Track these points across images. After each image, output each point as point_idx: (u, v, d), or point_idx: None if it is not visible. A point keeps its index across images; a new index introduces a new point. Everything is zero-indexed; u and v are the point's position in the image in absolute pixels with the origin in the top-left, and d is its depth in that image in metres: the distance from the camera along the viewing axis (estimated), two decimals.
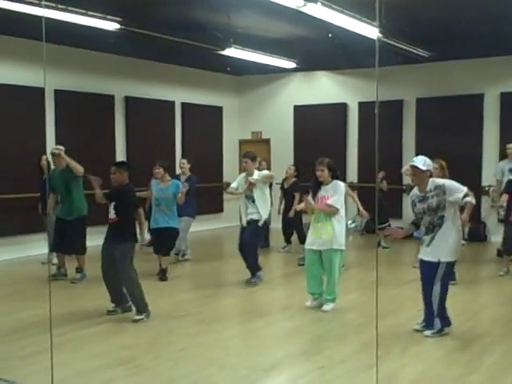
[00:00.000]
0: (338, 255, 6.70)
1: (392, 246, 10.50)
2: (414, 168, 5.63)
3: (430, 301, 5.69)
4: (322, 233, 6.67)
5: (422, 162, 5.62)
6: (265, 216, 7.99)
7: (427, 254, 5.70)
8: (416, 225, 5.93)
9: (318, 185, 6.80)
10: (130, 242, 6.46)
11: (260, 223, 7.98)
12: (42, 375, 4.39)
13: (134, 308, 6.48)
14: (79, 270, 8.36)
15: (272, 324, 6.46)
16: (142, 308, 6.38)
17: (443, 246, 5.62)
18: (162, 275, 8.43)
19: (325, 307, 6.70)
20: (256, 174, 8.09)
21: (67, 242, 7.90)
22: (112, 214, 6.56)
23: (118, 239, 6.43)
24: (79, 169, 7.93)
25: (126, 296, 6.54)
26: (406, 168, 6.26)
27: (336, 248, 6.66)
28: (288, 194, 10.49)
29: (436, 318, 5.69)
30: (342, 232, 6.73)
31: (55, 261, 8.53)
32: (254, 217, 7.97)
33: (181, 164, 9.92)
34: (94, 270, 9.16)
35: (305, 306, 6.83)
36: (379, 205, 10.53)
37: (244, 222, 8.09)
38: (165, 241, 8.48)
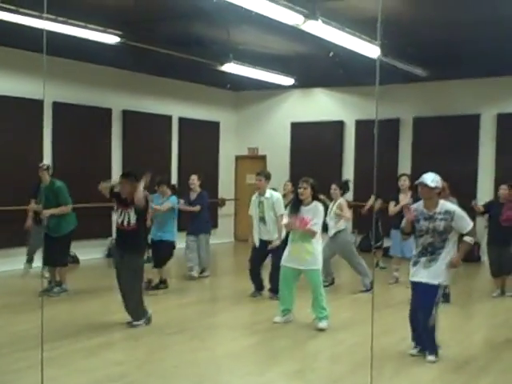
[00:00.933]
0: (319, 273, 6.83)
1: (389, 266, 10.46)
2: (423, 185, 5.49)
3: (425, 324, 5.52)
4: (302, 252, 6.70)
5: (431, 178, 5.49)
6: (276, 237, 8.02)
7: (424, 277, 5.52)
8: (405, 233, 5.82)
9: (298, 203, 6.81)
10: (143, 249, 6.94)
11: (272, 245, 8.02)
12: None
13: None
14: (58, 283, 8.30)
15: (265, 341, 6.42)
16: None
17: (443, 269, 5.50)
18: (159, 284, 8.65)
19: (320, 325, 6.68)
20: (268, 193, 8.13)
21: (51, 253, 7.87)
22: (133, 220, 6.60)
23: (133, 247, 6.62)
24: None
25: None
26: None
27: (318, 268, 6.76)
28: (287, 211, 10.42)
29: (434, 341, 5.57)
30: (320, 251, 6.83)
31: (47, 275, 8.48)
32: (266, 238, 8.10)
33: (191, 180, 9.85)
34: (85, 283, 9.16)
35: (273, 322, 6.86)
36: (376, 224, 10.52)
37: (257, 242, 8.15)
38: (160, 253, 8.64)
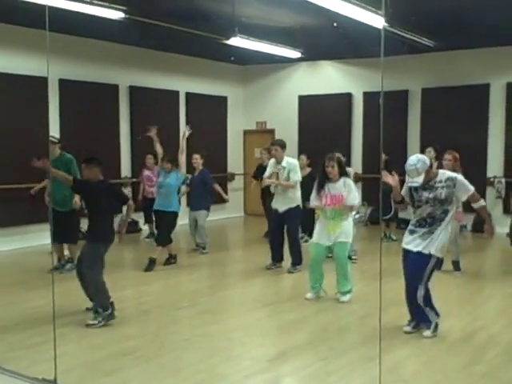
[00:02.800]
0: (348, 247, 6.84)
1: (400, 238, 10.43)
2: (410, 172, 5.30)
3: (414, 296, 5.42)
4: (335, 228, 6.69)
5: (413, 162, 5.25)
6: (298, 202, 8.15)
7: (418, 245, 5.40)
8: (396, 202, 5.69)
9: (324, 181, 6.74)
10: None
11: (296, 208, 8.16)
12: (46, 365, 4.41)
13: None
14: (70, 260, 8.36)
15: (276, 315, 6.47)
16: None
17: (439, 241, 5.38)
18: (169, 259, 8.74)
19: (343, 298, 6.72)
20: (285, 162, 8.15)
21: (60, 231, 7.89)
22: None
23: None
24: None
25: None
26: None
27: (348, 241, 6.77)
28: (304, 186, 10.42)
29: (430, 313, 5.48)
30: (352, 225, 6.86)
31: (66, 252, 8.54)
32: (291, 205, 8.11)
33: (193, 159, 9.99)
34: None
35: (305, 298, 6.84)
36: (386, 196, 10.49)
37: (282, 209, 8.16)
38: (163, 224, 8.71)
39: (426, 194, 5.40)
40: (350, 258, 8.92)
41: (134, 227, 11.55)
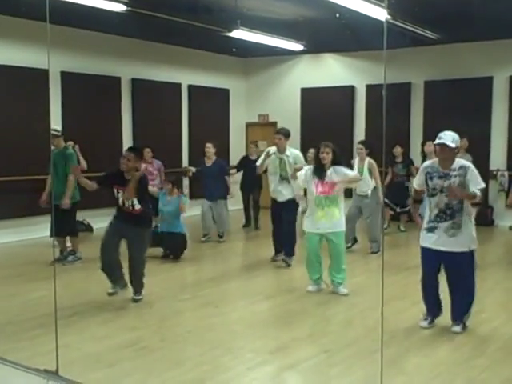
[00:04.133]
0: (342, 236, 6.83)
1: (410, 230, 10.45)
2: (444, 146, 5.20)
3: (464, 293, 5.35)
4: (328, 216, 6.65)
5: (451, 138, 5.20)
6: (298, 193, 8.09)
7: (453, 245, 5.24)
8: (417, 201, 5.73)
9: (321, 168, 6.72)
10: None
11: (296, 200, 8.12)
12: (48, 356, 4.41)
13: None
14: (72, 252, 8.38)
15: (278, 307, 6.47)
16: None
17: (470, 234, 5.30)
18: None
19: (342, 290, 6.72)
20: (289, 151, 8.08)
21: (60, 224, 7.88)
22: (137, 204, 6.47)
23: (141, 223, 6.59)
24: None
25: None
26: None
27: (343, 230, 6.77)
28: None
29: (469, 311, 5.43)
30: (343, 213, 6.84)
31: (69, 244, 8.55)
32: (291, 196, 8.05)
33: (206, 148, 10.04)
34: (99, 251, 9.24)
35: (307, 291, 6.83)
36: (402, 188, 10.58)
37: (281, 199, 8.09)
38: (175, 244, 8.62)
39: (440, 183, 5.27)
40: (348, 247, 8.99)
41: None
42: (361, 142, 9.41)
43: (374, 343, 4.71)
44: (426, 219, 5.45)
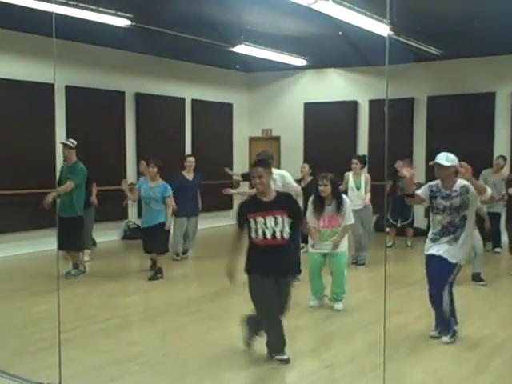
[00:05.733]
0: (345, 256, 6.83)
1: (417, 245, 10.43)
2: (438, 165, 5.38)
3: (441, 302, 5.49)
4: (331, 238, 6.69)
5: (445, 158, 5.37)
6: None
7: (445, 252, 5.42)
8: (406, 194, 5.65)
9: (321, 202, 6.72)
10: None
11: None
12: (51, 370, 4.41)
13: None
14: (74, 265, 8.37)
15: None
16: None
17: (464, 249, 5.49)
18: (155, 274, 8.25)
19: (337, 306, 6.71)
20: (274, 174, 7.71)
21: (66, 237, 7.89)
22: (286, 230, 4.96)
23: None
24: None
25: None
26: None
27: (345, 250, 6.80)
28: (306, 194, 10.42)
29: (449, 321, 5.53)
30: (346, 236, 6.86)
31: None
32: None
33: (187, 161, 9.79)
34: (102, 265, 9.27)
35: (309, 306, 6.82)
36: (403, 202, 10.56)
37: None
38: (157, 238, 8.30)
39: (443, 203, 5.46)
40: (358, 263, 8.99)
41: (138, 233, 11.56)
42: (356, 157, 9.46)
43: (377, 358, 4.70)
44: (430, 230, 5.63)
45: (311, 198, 6.90)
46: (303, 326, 6.23)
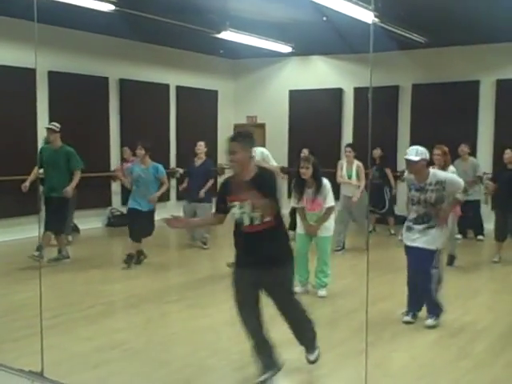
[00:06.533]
0: (330, 241, 6.87)
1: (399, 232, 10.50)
2: (407, 161, 5.51)
3: (424, 287, 5.60)
4: (315, 221, 6.71)
5: (414, 152, 5.47)
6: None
7: (421, 242, 5.54)
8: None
9: (302, 184, 6.72)
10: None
11: None
12: (33, 357, 4.39)
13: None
14: (59, 250, 8.33)
15: (264, 308, 6.44)
16: None
17: (440, 235, 5.60)
18: (138, 257, 8.23)
19: (321, 293, 6.75)
20: (257, 151, 7.55)
21: (53, 218, 7.83)
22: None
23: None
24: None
25: None
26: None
27: (330, 235, 6.82)
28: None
29: (435, 304, 5.66)
30: (332, 218, 6.85)
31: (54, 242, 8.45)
32: None
33: (198, 146, 9.66)
34: (86, 252, 9.22)
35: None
36: (380, 190, 10.66)
37: None
38: (144, 224, 8.23)
39: (417, 195, 5.56)
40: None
41: (122, 220, 11.52)
42: (349, 145, 9.54)
43: (360, 345, 4.71)
44: (407, 221, 5.75)
45: (293, 181, 6.91)
46: None
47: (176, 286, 7.51)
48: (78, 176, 8.11)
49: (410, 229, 5.66)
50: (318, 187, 6.64)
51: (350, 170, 9.25)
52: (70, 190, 7.98)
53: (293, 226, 7.73)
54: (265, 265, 4.20)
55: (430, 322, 5.63)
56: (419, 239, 5.56)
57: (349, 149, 9.36)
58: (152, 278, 7.72)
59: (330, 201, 6.73)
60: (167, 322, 5.93)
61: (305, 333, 4.59)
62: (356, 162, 9.23)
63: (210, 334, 5.50)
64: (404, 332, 5.52)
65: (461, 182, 5.64)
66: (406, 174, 5.87)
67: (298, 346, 4.66)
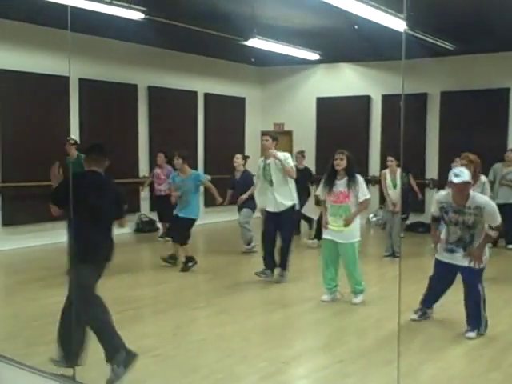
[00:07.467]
0: (355, 247, 6.75)
1: (415, 238, 10.45)
2: (467, 183, 5.36)
3: (474, 301, 5.60)
4: (339, 216, 6.64)
5: (467, 173, 5.38)
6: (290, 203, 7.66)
7: (466, 262, 5.54)
8: (437, 219, 5.81)
9: (333, 176, 6.69)
10: None
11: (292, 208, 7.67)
12: None
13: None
14: None
15: (292, 316, 6.47)
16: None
17: (485, 253, 5.60)
18: (186, 263, 8.39)
19: (355, 299, 6.70)
20: (280, 155, 7.59)
21: None
22: None
23: None
24: None
25: None
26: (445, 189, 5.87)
27: (355, 241, 6.72)
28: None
29: (480, 318, 5.60)
30: (359, 223, 6.80)
31: None
32: (287, 204, 7.61)
33: (235, 159, 9.90)
34: (115, 257, 9.28)
35: (321, 300, 6.78)
36: (404, 197, 10.58)
37: (271, 209, 7.69)
38: (180, 229, 8.47)
39: (455, 217, 5.50)
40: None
41: (150, 226, 11.61)
42: (391, 154, 9.39)
43: (389, 354, 4.70)
44: (444, 239, 5.70)
45: (325, 175, 6.87)
46: (315, 321, 6.24)
47: (204, 291, 7.54)
48: None
49: (451, 251, 5.61)
50: (350, 179, 6.61)
51: (394, 179, 9.20)
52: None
53: (319, 235, 7.72)
54: None
55: (471, 334, 5.53)
56: (464, 260, 5.56)
57: (391, 158, 9.25)
58: (180, 284, 7.76)
59: (365, 193, 6.69)
60: (196, 328, 5.96)
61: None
62: (399, 170, 9.15)
63: (238, 341, 5.50)
64: (433, 342, 5.47)
65: (498, 217, 5.50)
66: (440, 193, 5.83)
67: (330, 358, 4.64)
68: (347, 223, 6.60)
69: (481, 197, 5.65)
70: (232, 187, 9.96)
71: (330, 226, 6.70)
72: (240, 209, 9.74)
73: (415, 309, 5.96)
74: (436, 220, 5.83)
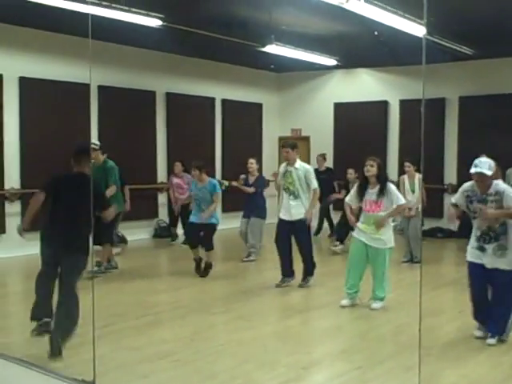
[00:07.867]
0: (389, 253, 6.66)
1: (434, 243, 10.39)
2: (482, 175, 5.28)
3: (506, 308, 5.42)
4: (375, 230, 6.59)
5: (487, 165, 5.28)
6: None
7: (502, 264, 5.33)
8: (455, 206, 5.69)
9: (365, 184, 6.68)
10: None
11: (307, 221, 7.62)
12: (84, 366, 4.47)
13: None
14: (107, 260, 8.42)
15: (311, 322, 6.46)
16: None
17: None
18: (204, 271, 8.39)
19: (374, 305, 6.64)
20: (298, 164, 7.64)
21: (97, 233, 7.91)
22: None
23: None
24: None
25: None
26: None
27: (386, 247, 6.63)
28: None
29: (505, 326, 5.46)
30: (391, 228, 6.77)
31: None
32: (301, 216, 7.55)
33: (249, 164, 9.83)
34: (133, 263, 9.35)
35: (340, 306, 6.73)
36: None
37: (287, 218, 7.65)
38: (206, 234, 8.47)
39: (480, 206, 5.38)
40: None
41: (168, 232, 11.65)
42: (407, 160, 9.36)
43: (409, 360, 4.67)
44: (473, 237, 5.53)
45: (357, 182, 6.91)
46: (333, 327, 6.21)
47: (222, 297, 7.54)
48: (110, 190, 8.04)
49: (482, 249, 5.42)
50: (382, 188, 6.59)
51: (412, 184, 9.17)
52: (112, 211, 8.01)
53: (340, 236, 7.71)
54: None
55: (491, 340, 5.43)
56: (499, 262, 5.35)
57: (407, 163, 9.23)
58: (198, 289, 7.77)
59: (400, 199, 6.68)
60: (214, 334, 5.96)
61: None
62: (418, 176, 9.10)
63: (257, 347, 5.50)
64: (454, 348, 5.42)
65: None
66: (466, 184, 5.66)
67: (349, 364, 4.62)
68: (378, 225, 6.55)
69: (502, 184, 5.51)
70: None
71: (364, 228, 6.65)
72: (247, 216, 9.64)
73: (478, 325, 5.65)
74: (454, 206, 5.72)
